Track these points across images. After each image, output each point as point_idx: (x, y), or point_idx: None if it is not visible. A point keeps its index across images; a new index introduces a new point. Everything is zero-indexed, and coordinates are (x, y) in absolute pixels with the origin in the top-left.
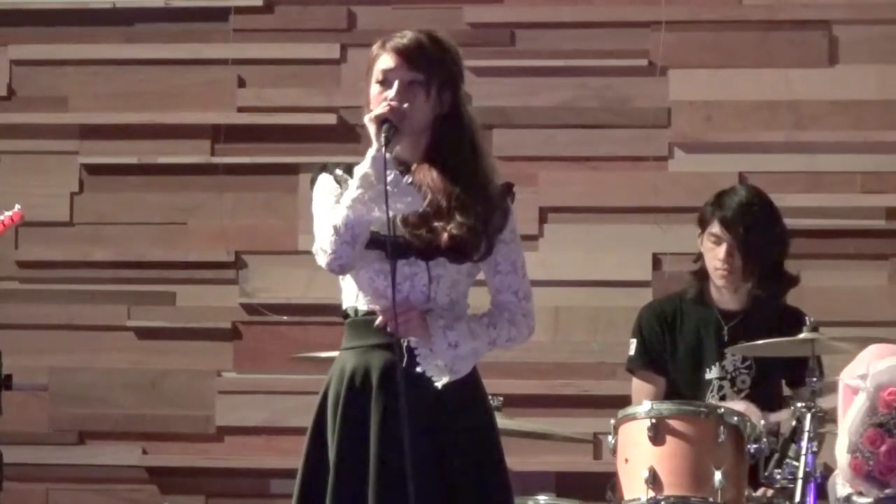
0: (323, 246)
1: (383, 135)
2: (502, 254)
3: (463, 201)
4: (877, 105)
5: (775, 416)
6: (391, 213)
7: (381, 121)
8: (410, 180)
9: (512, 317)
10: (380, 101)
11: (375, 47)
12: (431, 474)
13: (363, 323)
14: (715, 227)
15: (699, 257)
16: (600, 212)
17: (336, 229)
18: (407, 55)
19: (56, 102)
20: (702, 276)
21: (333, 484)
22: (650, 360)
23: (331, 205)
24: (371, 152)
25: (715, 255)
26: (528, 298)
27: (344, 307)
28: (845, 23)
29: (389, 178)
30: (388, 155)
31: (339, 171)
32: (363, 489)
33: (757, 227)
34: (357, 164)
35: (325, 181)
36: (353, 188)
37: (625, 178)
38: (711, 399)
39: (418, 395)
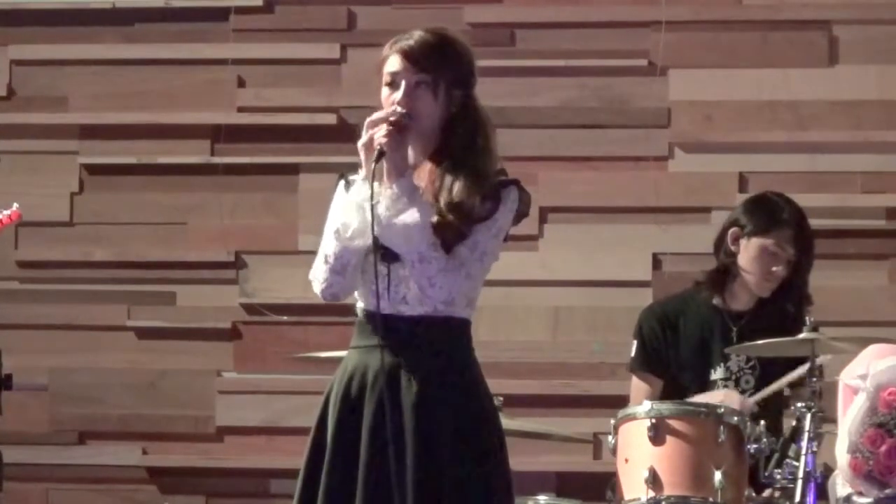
0: (316, 275)
1: (373, 163)
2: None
3: (443, 181)
4: (877, 105)
5: (754, 399)
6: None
7: (378, 151)
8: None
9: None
10: (388, 103)
11: (385, 49)
12: (422, 473)
13: (366, 323)
14: (777, 238)
15: (731, 255)
16: (600, 212)
17: (327, 258)
18: (413, 56)
19: (56, 102)
20: (727, 274)
21: (326, 480)
22: (648, 362)
23: (333, 227)
24: (360, 176)
25: (768, 265)
26: (469, 277)
27: (356, 306)
28: (845, 23)
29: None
30: (376, 184)
31: (352, 177)
32: (354, 486)
33: (812, 246)
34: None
35: (337, 197)
36: (341, 217)
37: (625, 178)
38: None
39: (406, 394)
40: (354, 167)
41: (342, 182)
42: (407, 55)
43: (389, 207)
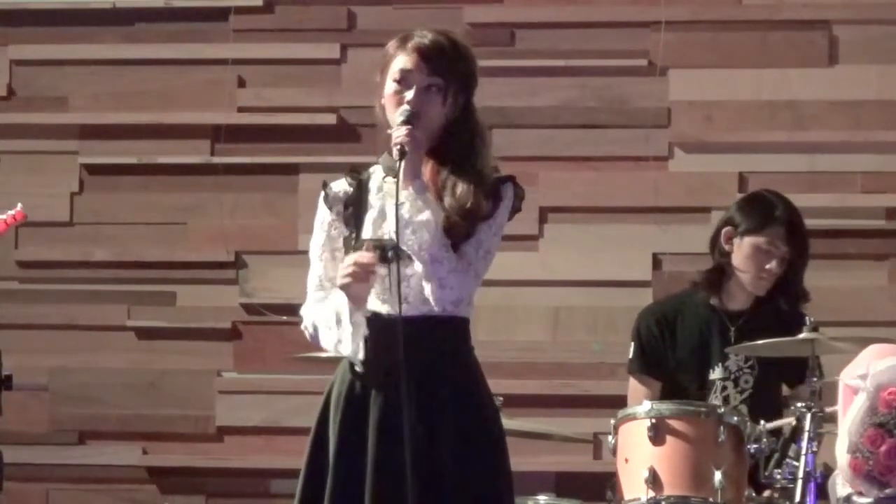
0: (306, 324)
1: (397, 162)
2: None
3: (446, 183)
4: (877, 105)
5: (771, 426)
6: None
7: (399, 151)
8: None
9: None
10: (396, 100)
11: (393, 44)
12: (425, 471)
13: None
14: (770, 237)
15: (725, 254)
16: (600, 212)
17: (316, 329)
18: (428, 58)
19: (56, 102)
20: (722, 274)
21: (332, 480)
22: (646, 364)
23: (319, 253)
24: (347, 316)
25: (761, 263)
26: (476, 276)
27: None
28: (845, 23)
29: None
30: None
31: (334, 191)
32: (361, 485)
33: (806, 243)
34: (357, 165)
35: (320, 214)
36: (329, 326)
37: (625, 178)
38: (715, 399)
39: (409, 393)
40: (347, 170)
41: (322, 196)
42: (422, 55)
43: (409, 209)
